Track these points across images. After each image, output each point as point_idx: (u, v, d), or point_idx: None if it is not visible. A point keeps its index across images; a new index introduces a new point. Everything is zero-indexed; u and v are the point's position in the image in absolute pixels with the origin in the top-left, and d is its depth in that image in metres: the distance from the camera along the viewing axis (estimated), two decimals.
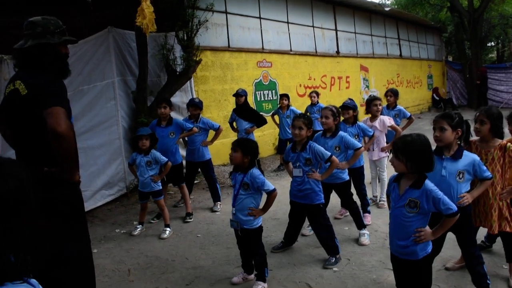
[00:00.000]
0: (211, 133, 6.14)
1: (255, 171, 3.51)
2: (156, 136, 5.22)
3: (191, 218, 5.59)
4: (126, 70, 6.75)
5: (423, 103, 18.89)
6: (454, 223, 2.60)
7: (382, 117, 5.71)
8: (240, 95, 7.06)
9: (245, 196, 3.50)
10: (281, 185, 7.18)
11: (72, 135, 2.55)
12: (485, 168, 3.07)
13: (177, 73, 7.05)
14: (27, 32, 2.63)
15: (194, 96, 7.75)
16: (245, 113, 7.12)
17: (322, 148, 4.02)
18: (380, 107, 5.70)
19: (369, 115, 5.83)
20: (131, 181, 6.64)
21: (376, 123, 5.63)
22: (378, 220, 5.21)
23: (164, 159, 5.08)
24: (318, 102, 8.74)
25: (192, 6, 7.08)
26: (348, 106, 5.04)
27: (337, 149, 4.48)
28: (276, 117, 8.47)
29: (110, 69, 6.41)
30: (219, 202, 6.07)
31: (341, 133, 4.51)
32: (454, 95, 20.28)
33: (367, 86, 14.34)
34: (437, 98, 19.35)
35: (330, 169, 4.07)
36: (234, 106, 8.78)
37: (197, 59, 7.22)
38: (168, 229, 5.10)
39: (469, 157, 3.05)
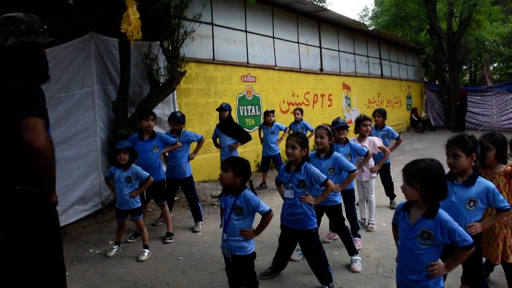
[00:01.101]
0: (192, 147, 5.88)
1: (248, 192, 3.23)
2: (136, 150, 4.88)
3: (171, 239, 5.26)
4: (107, 79, 6.42)
5: (402, 123, 19.04)
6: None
7: (371, 138, 5.56)
8: (224, 109, 6.80)
9: (237, 221, 3.20)
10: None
11: (52, 150, 2.21)
12: (502, 197, 2.86)
13: (160, 84, 6.76)
14: (6, 29, 2.31)
15: (177, 109, 7.46)
16: (229, 128, 6.86)
17: (318, 171, 3.79)
18: (369, 128, 5.55)
19: (357, 135, 5.66)
20: (107, 197, 6.27)
21: (366, 143, 5.45)
22: (369, 244, 5.00)
23: (146, 174, 4.75)
24: (302, 120, 8.58)
25: (179, 15, 6.81)
26: (345, 126, 4.82)
27: (331, 170, 4.26)
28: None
29: (90, 76, 6.08)
30: (200, 222, 5.76)
31: (335, 154, 4.28)
32: (431, 116, 20.54)
33: (349, 105, 14.31)
34: (415, 118, 19.57)
35: (325, 193, 3.85)
36: (217, 121, 8.51)
37: (182, 70, 6.95)
38: (146, 250, 4.75)
39: (482, 184, 2.86)
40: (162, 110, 7.22)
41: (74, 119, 5.84)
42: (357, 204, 5.77)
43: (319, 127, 4.35)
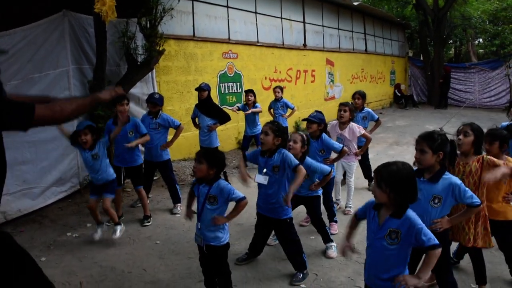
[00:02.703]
0: (172, 130, 5.79)
1: (222, 181, 3.24)
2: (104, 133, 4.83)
3: (149, 222, 5.27)
4: (83, 58, 6.25)
5: (385, 98, 19.11)
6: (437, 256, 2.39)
7: (351, 125, 5.44)
8: (203, 89, 6.67)
9: (211, 210, 3.21)
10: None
11: None
12: (470, 193, 2.85)
13: (138, 63, 6.61)
14: None
15: (156, 88, 7.36)
16: (208, 109, 6.75)
17: (292, 156, 3.79)
18: (345, 114, 5.36)
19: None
20: (85, 177, 6.22)
21: (346, 132, 5.41)
22: (341, 223, 5.07)
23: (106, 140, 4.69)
24: (282, 98, 8.51)
25: None
26: (312, 120, 4.66)
27: (306, 176, 4.22)
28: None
29: (65, 56, 5.92)
30: (179, 204, 5.76)
31: (307, 160, 4.13)
32: (414, 92, 20.67)
33: (332, 81, 14.27)
34: (399, 94, 19.65)
35: (298, 179, 3.71)
36: (197, 99, 8.45)
37: (160, 49, 6.80)
38: (119, 227, 4.70)
39: (447, 180, 2.85)
40: (140, 89, 7.10)
41: None
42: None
43: (295, 132, 4.29)
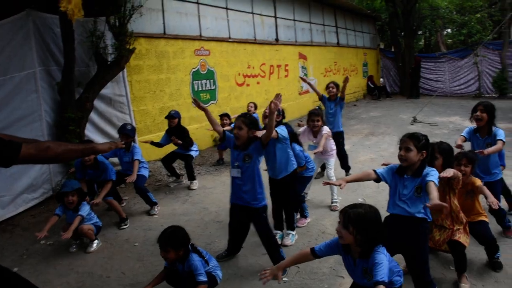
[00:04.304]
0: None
1: (191, 258, 3.25)
2: (84, 191, 4.84)
3: (126, 224, 5.15)
4: (50, 59, 6.06)
5: (359, 90, 19.29)
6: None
7: (323, 130, 5.37)
8: (173, 117, 6.44)
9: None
10: (221, 181, 6.91)
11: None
12: (433, 176, 2.89)
13: (108, 62, 6.46)
14: None
15: (127, 87, 7.19)
16: (178, 136, 6.42)
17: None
18: (318, 124, 5.33)
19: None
20: (58, 182, 6.05)
21: (319, 138, 5.38)
22: (325, 220, 5.08)
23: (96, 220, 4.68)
24: (255, 113, 8.35)
25: None
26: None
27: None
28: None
29: (31, 57, 5.73)
30: (156, 205, 5.65)
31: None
32: (387, 83, 20.93)
33: (306, 74, 14.30)
34: (372, 85, 19.88)
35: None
36: (171, 97, 8.40)
37: (131, 47, 6.66)
38: (95, 241, 4.59)
39: (426, 171, 2.96)
40: (112, 90, 6.94)
41: (16, 103, 5.52)
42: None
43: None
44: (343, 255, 2.59)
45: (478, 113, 4.26)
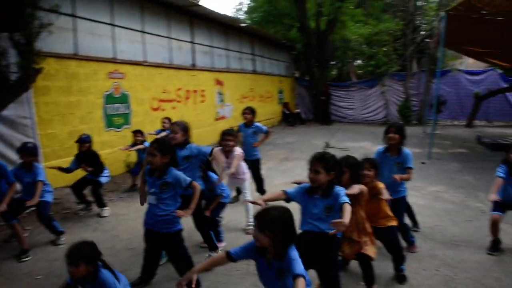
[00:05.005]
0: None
1: (105, 275, 3.06)
2: None
3: (27, 256, 4.75)
4: None
5: (275, 116, 19.82)
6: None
7: (235, 151, 5.45)
8: (84, 141, 6.19)
9: None
10: (134, 207, 6.66)
11: None
12: (344, 196, 3.03)
13: (11, 81, 6.03)
14: None
15: (32, 110, 6.74)
16: (88, 163, 6.23)
17: (182, 174, 3.75)
18: (230, 143, 5.39)
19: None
20: None
21: (231, 159, 5.41)
22: (239, 241, 5.05)
23: None
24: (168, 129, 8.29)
25: (32, 4, 6.11)
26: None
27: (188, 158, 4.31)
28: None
29: None
30: (62, 235, 5.30)
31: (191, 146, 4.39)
32: (302, 110, 21.75)
33: (222, 100, 14.45)
34: (287, 112, 20.55)
35: (196, 196, 3.82)
36: (82, 121, 8.04)
37: (38, 67, 6.29)
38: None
39: (336, 191, 3.08)
40: (15, 111, 6.48)
41: None
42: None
43: (173, 123, 4.47)
44: (258, 258, 2.61)
45: (391, 134, 4.54)
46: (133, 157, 8.42)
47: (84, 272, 2.94)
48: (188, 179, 3.75)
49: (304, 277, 2.36)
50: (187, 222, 4.42)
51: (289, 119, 20.36)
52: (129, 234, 5.51)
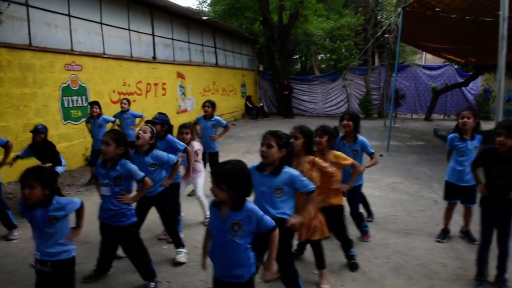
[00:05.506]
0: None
1: (58, 199, 3.02)
2: None
3: None
4: None
5: (237, 110, 19.87)
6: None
7: (192, 144, 5.48)
8: (39, 131, 5.84)
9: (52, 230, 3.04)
10: (92, 201, 6.52)
11: None
12: (306, 182, 3.14)
13: None
14: None
15: None
16: (43, 153, 5.92)
17: (135, 167, 3.75)
18: (187, 136, 5.39)
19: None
20: None
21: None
22: (198, 235, 5.10)
23: None
24: (129, 110, 8.22)
25: None
26: (155, 122, 4.67)
27: (154, 166, 4.23)
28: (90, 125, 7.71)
29: None
30: (15, 229, 5.18)
31: (155, 151, 4.25)
32: (265, 103, 21.88)
33: (184, 94, 14.37)
34: (250, 105, 20.62)
35: (144, 191, 3.87)
36: (37, 113, 7.85)
37: None
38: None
39: (287, 173, 3.12)
40: None
41: None
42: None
43: (145, 125, 4.34)
44: (212, 209, 2.64)
45: (345, 121, 4.70)
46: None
47: (38, 195, 2.87)
48: (142, 173, 3.76)
49: (276, 228, 2.60)
50: (148, 216, 4.45)
51: (252, 112, 20.44)
52: (85, 228, 5.41)
